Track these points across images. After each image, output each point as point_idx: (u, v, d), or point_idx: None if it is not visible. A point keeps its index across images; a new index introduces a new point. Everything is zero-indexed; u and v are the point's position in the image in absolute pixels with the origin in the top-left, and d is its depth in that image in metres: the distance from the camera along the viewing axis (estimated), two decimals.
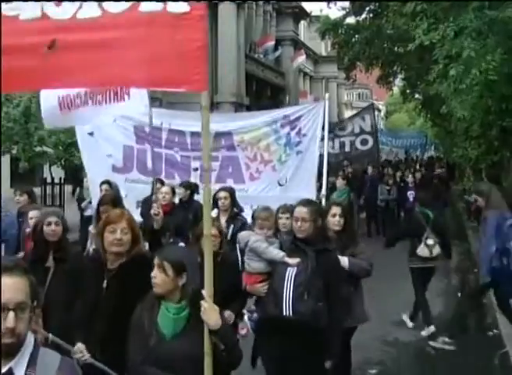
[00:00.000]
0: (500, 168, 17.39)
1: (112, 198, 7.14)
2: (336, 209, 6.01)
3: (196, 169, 10.14)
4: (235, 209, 7.96)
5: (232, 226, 7.56)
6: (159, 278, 3.65)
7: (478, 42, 8.68)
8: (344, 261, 5.67)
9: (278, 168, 10.01)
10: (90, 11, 3.57)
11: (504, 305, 8.18)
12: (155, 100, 29.37)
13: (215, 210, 7.78)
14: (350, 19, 19.77)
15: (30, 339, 2.47)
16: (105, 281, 4.40)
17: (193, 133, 10.04)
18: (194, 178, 10.01)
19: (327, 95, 10.50)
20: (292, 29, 47.48)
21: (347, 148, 16.37)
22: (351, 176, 18.12)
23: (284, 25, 46.43)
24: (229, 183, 9.86)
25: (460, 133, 17.21)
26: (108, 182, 8.90)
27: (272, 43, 41.15)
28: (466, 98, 9.02)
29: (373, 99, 68.05)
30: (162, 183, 9.23)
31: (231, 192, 8.09)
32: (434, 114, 20.99)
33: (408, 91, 21.14)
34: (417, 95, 21.43)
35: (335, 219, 5.94)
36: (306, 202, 5.22)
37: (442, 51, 9.16)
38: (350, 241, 5.98)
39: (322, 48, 57.24)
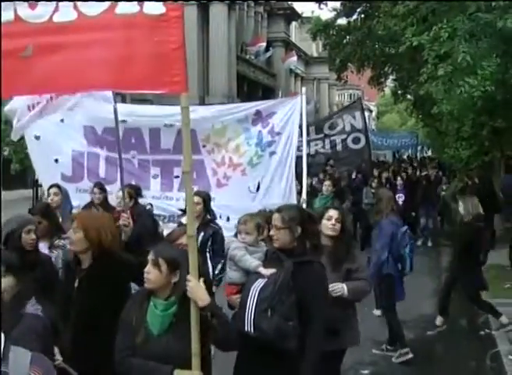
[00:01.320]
0: (491, 168, 17.46)
1: (42, 208, 6.41)
2: (332, 212, 5.52)
3: (155, 177, 9.20)
4: (208, 216, 7.38)
5: (202, 233, 7.04)
6: (153, 274, 3.69)
7: (471, 44, 8.67)
8: (344, 289, 5.29)
9: (248, 172, 8.97)
10: (66, 14, 3.53)
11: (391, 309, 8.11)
12: (145, 102, 29.37)
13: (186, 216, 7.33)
14: (342, 21, 19.80)
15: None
16: (77, 281, 4.49)
17: (152, 130, 9.07)
18: (154, 186, 9.13)
19: (303, 90, 9.50)
20: (283, 30, 47.56)
21: (339, 147, 16.09)
22: (336, 179, 17.57)
23: (275, 26, 46.49)
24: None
25: (451, 134, 17.25)
26: (57, 185, 8.11)
27: (263, 44, 41.17)
28: (456, 95, 9.00)
29: (364, 100, 68.19)
30: (102, 188, 8.51)
31: (205, 198, 7.43)
32: (425, 114, 21.02)
33: (399, 91, 21.19)
34: (408, 96, 21.46)
35: (330, 222, 5.44)
36: (282, 208, 4.71)
37: (431, 52, 9.16)
38: (344, 253, 5.43)
39: (314, 49, 57.29)
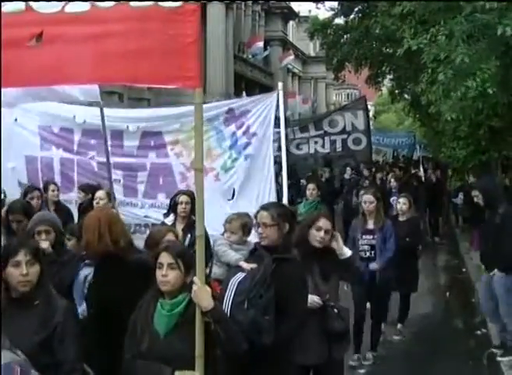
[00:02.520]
0: (488, 168, 17.46)
1: (24, 207, 6.24)
2: (322, 223, 5.19)
3: (117, 181, 8.25)
4: (193, 217, 6.72)
5: (189, 235, 6.69)
6: (172, 277, 3.65)
7: (469, 46, 8.61)
8: (347, 251, 5.30)
9: (222, 177, 8.16)
10: (79, 5, 3.48)
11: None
12: (142, 101, 29.31)
13: (171, 216, 7.08)
14: (339, 20, 19.79)
15: None
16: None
17: (113, 132, 8.16)
18: (116, 192, 8.02)
19: (280, 85, 8.36)
20: (281, 29, 47.59)
21: (339, 147, 15.16)
22: (325, 180, 16.38)
23: (273, 25, 46.51)
24: (160, 198, 8.26)
25: (448, 134, 17.24)
26: (39, 189, 7.69)
27: (260, 43, 41.16)
28: (456, 102, 8.89)
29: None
30: (56, 184, 8.07)
31: (193, 197, 6.78)
32: (422, 114, 21.01)
33: (397, 91, 21.16)
34: (405, 96, 21.44)
35: (319, 234, 5.16)
36: (269, 205, 4.75)
37: (430, 55, 9.08)
38: (333, 262, 5.28)
39: (311, 48, 57.29)
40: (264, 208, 4.61)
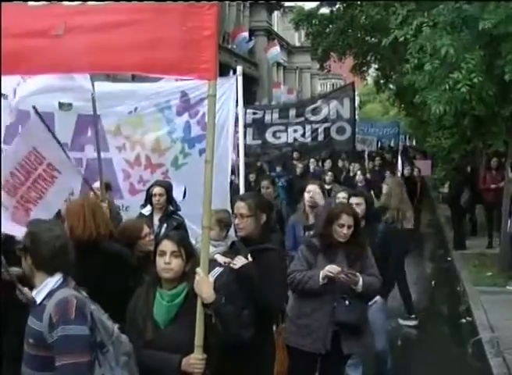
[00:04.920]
0: (473, 158, 17.58)
1: None
2: (345, 220, 5.07)
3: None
4: (171, 207, 6.78)
5: (165, 225, 6.61)
6: (175, 264, 3.65)
7: (452, 36, 8.60)
8: (359, 279, 5.01)
9: (172, 175, 7.21)
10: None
11: None
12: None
13: (148, 207, 6.84)
14: (324, 10, 19.75)
15: (52, 280, 3.23)
16: None
17: (44, 116, 6.33)
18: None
19: (239, 69, 7.29)
20: (265, 19, 47.41)
21: (321, 137, 14.06)
22: (300, 175, 14.69)
23: (257, 15, 46.33)
24: None
25: (433, 123, 17.28)
26: None
27: (245, 34, 41.02)
28: (443, 93, 8.83)
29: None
30: None
31: (168, 188, 6.76)
32: (407, 104, 21.07)
33: (382, 81, 21.19)
34: (390, 86, 21.47)
35: (341, 231, 5.07)
36: (245, 196, 4.72)
37: (415, 45, 9.04)
38: (359, 250, 5.17)
39: (296, 38, 57.19)
40: (241, 198, 4.59)
